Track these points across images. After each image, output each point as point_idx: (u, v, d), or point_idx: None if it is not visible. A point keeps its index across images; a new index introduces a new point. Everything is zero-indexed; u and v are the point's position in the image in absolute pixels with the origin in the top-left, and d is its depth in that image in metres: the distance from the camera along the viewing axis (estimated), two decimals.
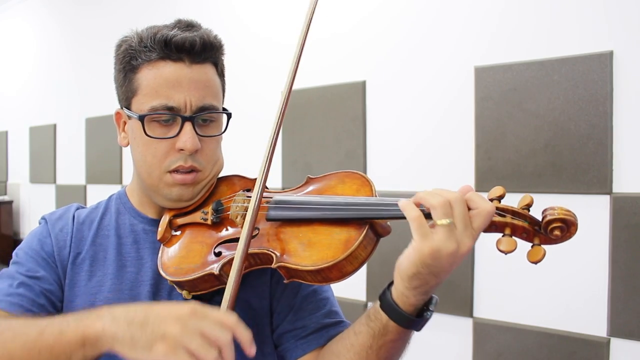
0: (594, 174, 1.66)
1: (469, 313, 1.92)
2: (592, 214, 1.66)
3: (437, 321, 1.98)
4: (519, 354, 1.81)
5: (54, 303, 0.92)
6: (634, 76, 1.62)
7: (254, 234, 0.87)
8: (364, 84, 2.21)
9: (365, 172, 2.18)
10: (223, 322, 0.70)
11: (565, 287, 1.73)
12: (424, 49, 2.05)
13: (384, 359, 0.81)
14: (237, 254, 0.79)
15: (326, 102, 2.31)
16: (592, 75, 1.66)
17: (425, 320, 0.78)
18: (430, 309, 0.77)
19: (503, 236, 0.72)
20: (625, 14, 1.63)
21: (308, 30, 0.91)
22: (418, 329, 0.78)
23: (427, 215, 0.72)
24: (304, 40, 0.91)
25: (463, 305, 1.93)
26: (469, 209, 0.72)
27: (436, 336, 1.99)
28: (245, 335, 0.70)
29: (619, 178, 1.63)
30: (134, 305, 0.74)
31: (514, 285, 1.83)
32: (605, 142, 1.64)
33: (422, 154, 2.05)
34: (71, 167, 3.74)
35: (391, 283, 0.78)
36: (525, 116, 1.79)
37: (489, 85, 1.87)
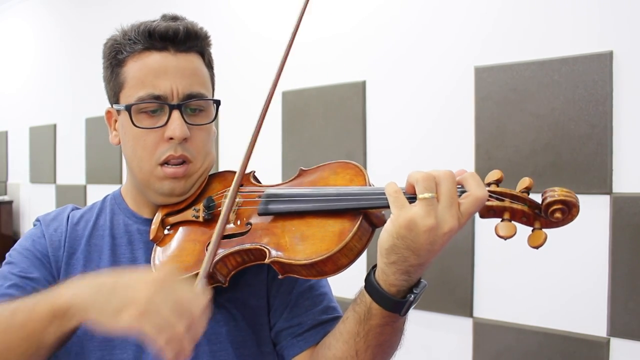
0: (594, 174, 1.66)
1: (469, 313, 1.92)
2: (592, 214, 1.66)
3: (437, 321, 1.99)
4: (519, 354, 1.81)
5: None
6: (634, 76, 1.61)
7: (246, 230, 0.86)
8: (363, 83, 2.21)
9: None
10: (195, 294, 0.67)
11: (565, 287, 1.73)
12: (424, 49, 2.05)
13: (374, 347, 0.78)
14: (214, 234, 0.78)
15: (326, 102, 2.31)
16: (592, 75, 1.66)
17: (409, 303, 0.73)
18: (415, 291, 0.73)
19: (502, 221, 0.69)
20: (625, 14, 1.63)
21: (297, 30, 0.90)
22: (401, 312, 0.74)
23: (415, 199, 0.70)
24: (292, 40, 0.90)
25: (463, 305, 1.93)
26: (463, 190, 0.70)
27: (436, 336, 1.99)
28: (208, 315, 0.67)
29: (619, 178, 1.63)
30: (105, 273, 0.71)
31: (514, 285, 1.83)
32: (605, 142, 1.64)
33: (422, 154, 2.05)
34: (71, 167, 3.74)
35: (376, 264, 0.76)
36: (525, 116, 1.79)
37: (489, 85, 1.87)
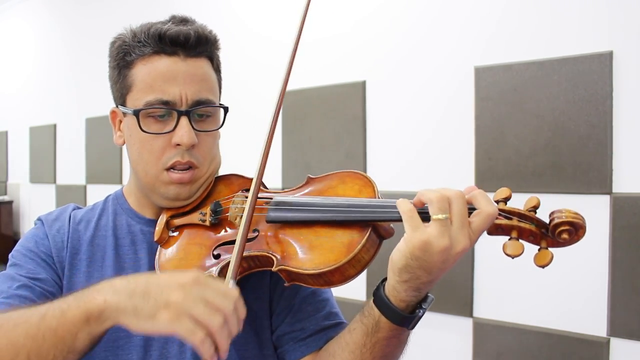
0: (594, 174, 1.66)
1: (469, 313, 1.92)
2: (592, 214, 1.66)
3: (437, 321, 1.99)
4: (519, 354, 1.81)
5: None
6: (634, 76, 1.61)
7: (253, 236, 0.86)
8: (364, 84, 2.21)
9: (365, 172, 2.17)
10: (226, 292, 0.69)
11: (565, 287, 1.73)
12: (424, 49, 2.05)
13: (379, 358, 0.79)
14: (234, 252, 0.78)
15: (326, 102, 2.31)
16: (592, 75, 1.66)
17: (417, 318, 0.75)
18: (424, 306, 0.75)
19: (510, 239, 0.70)
20: (625, 14, 1.63)
21: (301, 33, 0.90)
22: (409, 326, 0.76)
23: (426, 216, 0.70)
24: (297, 43, 0.90)
25: (463, 305, 1.93)
26: (472, 208, 0.70)
27: (436, 336, 1.99)
28: (243, 312, 0.70)
29: (619, 178, 1.63)
30: (134, 276, 0.72)
31: (514, 285, 1.83)
32: (605, 142, 1.64)
33: (422, 154, 2.05)
34: (71, 167, 3.74)
35: (385, 278, 0.77)
36: (525, 116, 1.79)
37: (489, 85, 1.87)
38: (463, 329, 1.94)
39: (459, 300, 1.93)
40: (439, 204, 0.69)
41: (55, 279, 0.92)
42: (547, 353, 1.75)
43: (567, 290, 1.73)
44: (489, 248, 1.89)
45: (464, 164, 1.92)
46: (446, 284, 1.94)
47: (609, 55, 1.64)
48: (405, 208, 0.72)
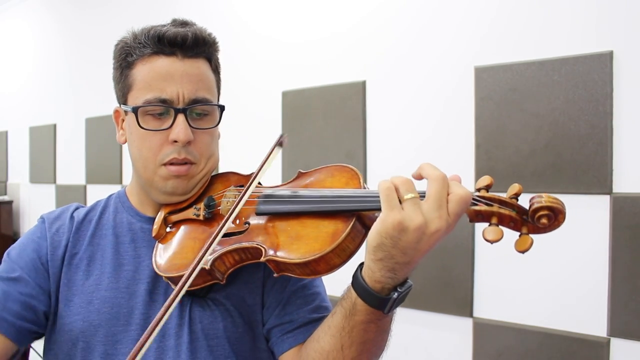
0: (594, 174, 1.66)
1: (469, 313, 1.92)
2: (592, 214, 1.66)
3: (437, 321, 1.99)
4: (519, 354, 1.81)
5: (32, 307, 0.93)
6: (634, 76, 1.62)
7: (244, 229, 0.89)
8: (363, 83, 2.21)
9: (365, 172, 2.18)
10: None
11: (565, 287, 1.73)
12: (424, 48, 2.06)
13: (358, 344, 0.79)
14: (210, 241, 0.81)
15: (326, 102, 2.31)
16: (592, 75, 1.66)
17: (392, 301, 0.74)
18: (399, 290, 0.74)
19: (489, 225, 0.71)
20: (625, 14, 1.63)
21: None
22: (384, 309, 0.75)
23: None
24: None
25: (463, 305, 1.93)
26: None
27: (436, 336, 1.99)
28: None
29: (619, 178, 1.63)
30: None
31: (514, 286, 1.83)
32: (605, 142, 1.64)
33: (422, 154, 2.05)
34: (71, 167, 3.74)
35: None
36: (525, 116, 1.79)
37: (489, 85, 1.87)
38: (463, 329, 1.94)
39: (459, 300, 1.93)
40: (404, 186, 0.72)
41: (39, 282, 0.95)
42: (547, 353, 1.75)
43: (568, 290, 1.73)
44: (489, 248, 1.89)
45: (464, 164, 1.92)
46: (446, 284, 1.94)
47: (609, 55, 1.64)
48: (383, 187, 0.73)
